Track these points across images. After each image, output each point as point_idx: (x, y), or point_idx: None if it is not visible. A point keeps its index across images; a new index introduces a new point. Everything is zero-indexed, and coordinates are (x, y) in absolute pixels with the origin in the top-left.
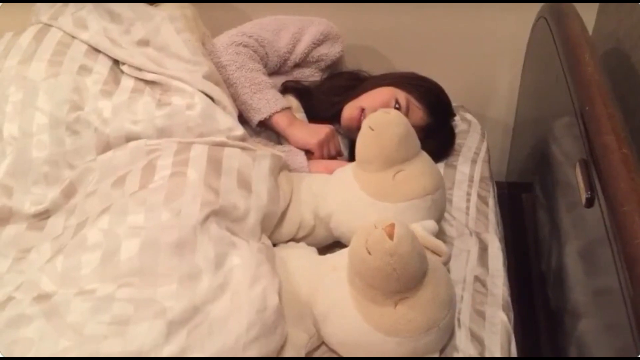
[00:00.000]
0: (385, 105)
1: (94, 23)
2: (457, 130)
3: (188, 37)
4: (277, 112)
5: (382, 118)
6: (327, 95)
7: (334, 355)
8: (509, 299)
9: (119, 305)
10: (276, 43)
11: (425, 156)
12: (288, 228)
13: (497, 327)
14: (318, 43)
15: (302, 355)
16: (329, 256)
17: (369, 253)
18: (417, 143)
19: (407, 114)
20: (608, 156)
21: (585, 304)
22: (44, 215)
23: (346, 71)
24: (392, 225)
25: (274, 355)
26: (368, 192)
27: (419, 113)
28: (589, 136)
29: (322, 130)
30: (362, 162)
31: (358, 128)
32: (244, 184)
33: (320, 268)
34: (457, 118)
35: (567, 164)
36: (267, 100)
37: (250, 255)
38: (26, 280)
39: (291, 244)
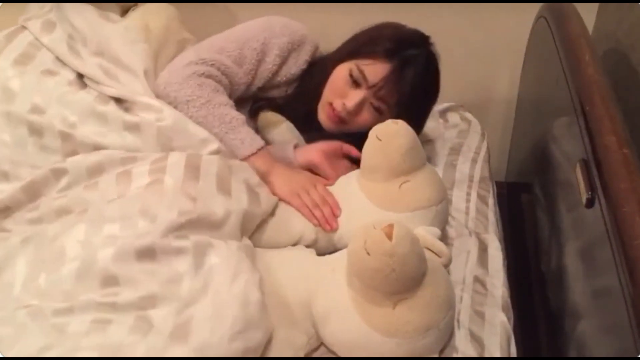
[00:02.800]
0: (342, 88)
1: (60, 30)
2: (457, 130)
3: (143, 48)
4: (253, 154)
5: (389, 128)
6: (297, 105)
7: (333, 357)
8: (508, 299)
9: (102, 309)
10: (239, 69)
11: (430, 168)
12: (287, 241)
13: (496, 328)
14: (284, 59)
15: (301, 357)
16: (327, 257)
17: (368, 254)
18: (423, 154)
19: (366, 78)
20: (608, 156)
21: (585, 305)
22: (4, 214)
23: (304, 70)
24: (391, 226)
25: (261, 350)
26: (373, 201)
27: (375, 67)
28: (589, 136)
29: (298, 180)
30: (368, 171)
31: (341, 122)
32: (223, 189)
33: (319, 269)
34: (457, 117)
35: (567, 164)
36: (242, 141)
37: (228, 253)
38: (5, 298)
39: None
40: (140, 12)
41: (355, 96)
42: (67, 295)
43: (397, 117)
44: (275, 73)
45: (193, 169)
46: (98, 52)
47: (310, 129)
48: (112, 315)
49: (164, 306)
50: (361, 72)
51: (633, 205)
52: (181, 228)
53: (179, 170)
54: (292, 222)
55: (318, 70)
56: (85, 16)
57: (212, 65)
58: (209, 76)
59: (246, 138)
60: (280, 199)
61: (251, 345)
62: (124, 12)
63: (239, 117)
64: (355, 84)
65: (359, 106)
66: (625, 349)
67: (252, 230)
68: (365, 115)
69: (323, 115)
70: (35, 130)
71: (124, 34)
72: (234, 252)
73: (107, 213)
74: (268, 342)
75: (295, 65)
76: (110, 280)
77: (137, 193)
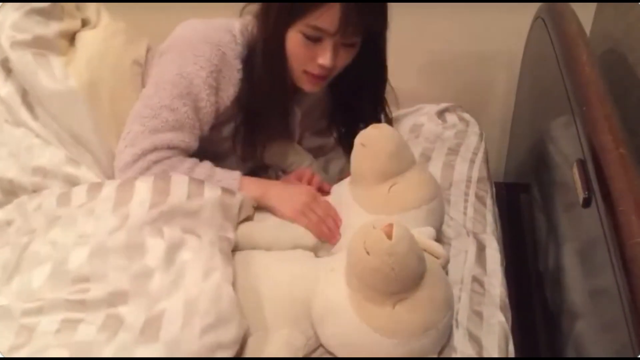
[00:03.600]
0: (306, 52)
1: (16, 81)
2: (455, 130)
3: (96, 124)
4: (240, 189)
5: (373, 133)
6: (271, 99)
7: (333, 357)
8: (506, 299)
9: (72, 308)
10: (181, 132)
11: (420, 167)
12: (287, 242)
13: (494, 328)
14: (216, 89)
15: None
16: (326, 258)
17: (368, 253)
18: (410, 155)
19: (324, 30)
20: (605, 156)
21: (582, 304)
22: None
23: (246, 77)
24: (391, 226)
25: (236, 347)
26: (364, 207)
27: (327, 13)
28: (586, 136)
29: (298, 197)
30: (357, 177)
31: (325, 79)
32: (195, 183)
33: (317, 270)
34: (455, 118)
35: (564, 164)
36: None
37: (200, 248)
38: None
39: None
40: (84, 60)
41: (324, 51)
42: (38, 295)
43: (371, 41)
44: (217, 108)
45: (164, 176)
46: (51, 114)
47: (294, 103)
48: (82, 314)
49: (135, 302)
50: (315, 27)
51: (629, 205)
52: (155, 221)
53: (149, 179)
54: (291, 228)
55: (266, 58)
56: (36, 74)
57: (152, 151)
58: (155, 162)
59: (223, 180)
60: (286, 220)
61: (223, 341)
62: (71, 38)
63: (204, 171)
64: (316, 39)
65: (334, 57)
66: (623, 348)
67: (236, 220)
68: (343, 57)
69: (306, 85)
70: (7, 190)
71: (71, 102)
72: (206, 247)
73: (79, 214)
74: (266, 343)
75: (231, 83)
76: (81, 278)
77: (109, 195)
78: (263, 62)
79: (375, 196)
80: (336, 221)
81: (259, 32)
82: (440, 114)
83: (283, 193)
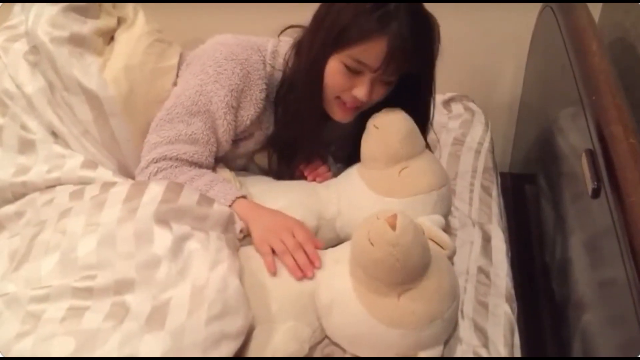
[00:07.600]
0: (344, 82)
1: (42, 78)
2: (460, 120)
3: (125, 123)
4: (229, 205)
5: (386, 116)
6: (303, 124)
7: (337, 348)
8: (512, 290)
9: (78, 296)
10: (195, 146)
11: (429, 154)
12: None
13: (500, 319)
14: (235, 109)
15: (306, 349)
16: (331, 250)
17: (372, 244)
18: (421, 141)
19: (366, 64)
20: (615, 146)
21: (590, 296)
22: None
23: (277, 97)
24: (395, 216)
25: (241, 338)
26: (374, 189)
27: (371, 49)
28: (595, 126)
29: (272, 226)
30: (368, 160)
31: (357, 110)
32: (206, 197)
33: (323, 261)
34: (460, 108)
35: (573, 154)
36: (217, 199)
37: (208, 241)
38: None
39: None
40: (122, 67)
41: (361, 84)
42: (45, 282)
43: (416, 80)
44: (235, 127)
45: (176, 185)
46: (79, 117)
47: (325, 131)
48: (88, 301)
49: (141, 290)
50: (358, 61)
51: (639, 196)
52: (164, 214)
53: (163, 182)
54: (293, 208)
55: (304, 83)
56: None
57: (161, 159)
58: (160, 169)
59: (218, 196)
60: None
61: (229, 331)
62: (110, 38)
63: (202, 184)
64: (356, 72)
65: (370, 92)
66: (631, 340)
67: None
68: (378, 92)
69: (338, 113)
70: (18, 193)
71: (108, 111)
72: (214, 240)
73: (90, 205)
74: (272, 335)
75: (252, 103)
76: (88, 265)
77: (121, 190)
78: (300, 87)
79: (385, 179)
80: (311, 258)
81: (301, 55)
82: (446, 103)
83: (262, 220)
